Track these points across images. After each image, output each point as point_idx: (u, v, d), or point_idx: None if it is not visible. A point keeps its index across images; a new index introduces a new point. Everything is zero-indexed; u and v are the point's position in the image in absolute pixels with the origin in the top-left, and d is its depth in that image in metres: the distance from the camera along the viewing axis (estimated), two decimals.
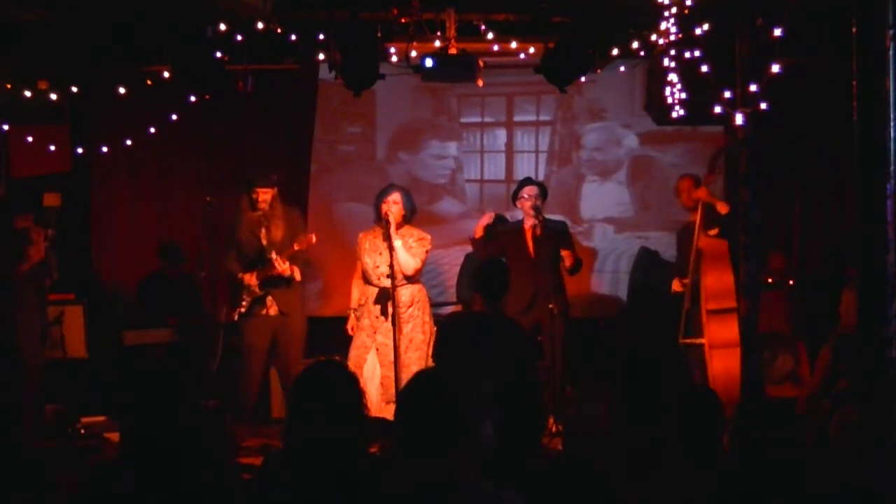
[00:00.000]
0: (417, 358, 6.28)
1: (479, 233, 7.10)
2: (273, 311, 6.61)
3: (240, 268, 6.64)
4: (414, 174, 8.29)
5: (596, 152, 8.29)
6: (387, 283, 6.22)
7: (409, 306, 6.37)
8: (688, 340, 6.45)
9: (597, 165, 8.30)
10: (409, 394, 2.54)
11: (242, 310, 6.60)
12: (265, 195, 6.56)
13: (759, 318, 5.81)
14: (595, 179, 8.29)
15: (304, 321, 6.74)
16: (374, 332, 6.33)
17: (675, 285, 6.72)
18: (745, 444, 3.21)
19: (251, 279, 6.57)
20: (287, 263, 6.46)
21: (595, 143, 8.28)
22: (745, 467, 3.17)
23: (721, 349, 6.15)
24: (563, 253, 6.61)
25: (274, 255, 6.45)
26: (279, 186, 6.68)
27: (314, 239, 6.46)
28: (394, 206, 6.29)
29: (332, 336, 7.05)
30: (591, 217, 8.28)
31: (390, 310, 6.17)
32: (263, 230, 6.57)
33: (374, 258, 6.38)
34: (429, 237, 6.47)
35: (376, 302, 6.29)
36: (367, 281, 6.46)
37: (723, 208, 6.49)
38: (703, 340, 6.35)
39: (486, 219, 7.17)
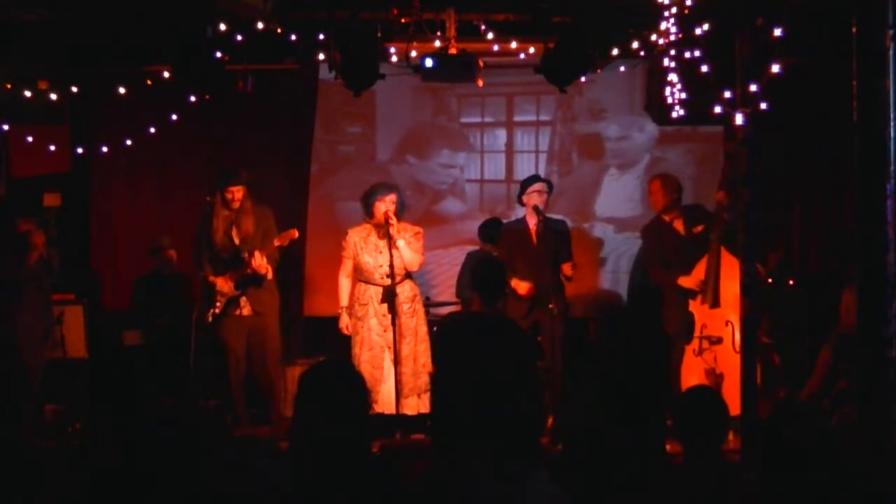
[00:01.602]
0: (425, 349, 6.40)
1: None
2: (246, 310, 6.59)
3: (212, 270, 6.59)
4: (417, 177, 8.30)
5: (622, 142, 8.28)
6: (388, 280, 6.29)
7: (412, 301, 6.47)
8: (704, 335, 6.37)
9: (619, 156, 8.30)
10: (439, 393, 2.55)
11: (217, 311, 6.56)
12: (238, 193, 6.52)
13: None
14: (614, 174, 8.29)
15: (277, 320, 6.71)
16: (385, 331, 6.37)
17: (687, 282, 6.44)
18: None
19: (224, 284, 6.54)
20: (264, 260, 6.43)
21: (617, 134, 8.28)
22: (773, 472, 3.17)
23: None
24: (564, 266, 6.61)
25: (247, 254, 6.43)
26: (249, 185, 6.63)
27: (297, 234, 6.48)
28: (391, 205, 6.32)
29: (332, 335, 7.05)
30: (596, 216, 8.29)
31: (398, 307, 6.28)
32: (234, 229, 6.56)
33: (375, 257, 6.41)
34: (421, 230, 6.56)
35: (383, 300, 6.30)
36: (366, 280, 6.47)
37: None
38: (718, 335, 6.28)
39: None
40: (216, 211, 6.56)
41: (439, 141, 8.37)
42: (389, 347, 6.33)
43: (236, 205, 6.52)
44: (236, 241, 6.54)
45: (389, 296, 6.24)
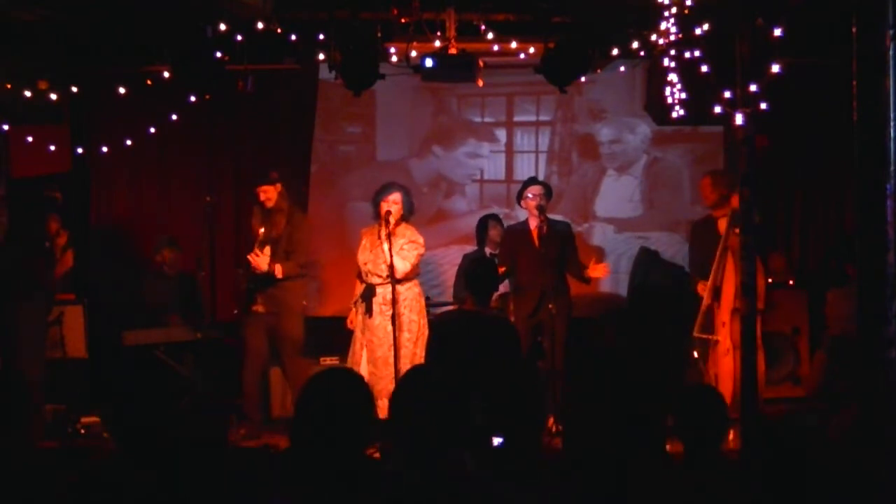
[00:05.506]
0: (402, 356, 6.28)
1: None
2: (261, 308, 6.62)
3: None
4: (442, 171, 8.30)
5: (615, 144, 8.28)
6: (374, 280, 6.33)
7: (392, 304, 6.32)
8: (702, 335, 6.36)
9: (614, 159, 8.30)
10: (403, 392, 2.54)
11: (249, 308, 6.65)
12: (267, 193, 6.58)
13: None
14: (613, 174, 8.28)
15: (297, 319, 6.68)
16: (365, 328, 6.38)
17: (700, 288, 6.40)
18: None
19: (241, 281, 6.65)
20: (265, 258, 6.46)
21: (611, 136, 8.28)
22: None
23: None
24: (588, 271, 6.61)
25: (255, 250, 6.49)
26: (283, 184, 6.68)
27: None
28: (394, 205, 6.31)
29: (331, 336, 7.06)
30: (596, 216, 8.29)
31: (375, 307, 6.29)
32: (265, 227, 6.60)
33: (364, 255, 6.43)
34: (421, 240, 6.46)
35: (363, 299, 6.34)
36: (359, 277, 6.50)
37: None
38: (716, 337, 6.27)
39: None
40: (254, 209, 6.69)
41: (463, 132, 8.34)
42: (366, 345, 6.36)
43: (269, 203, 6.59)
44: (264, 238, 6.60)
45: (367, 294, 6.31)
